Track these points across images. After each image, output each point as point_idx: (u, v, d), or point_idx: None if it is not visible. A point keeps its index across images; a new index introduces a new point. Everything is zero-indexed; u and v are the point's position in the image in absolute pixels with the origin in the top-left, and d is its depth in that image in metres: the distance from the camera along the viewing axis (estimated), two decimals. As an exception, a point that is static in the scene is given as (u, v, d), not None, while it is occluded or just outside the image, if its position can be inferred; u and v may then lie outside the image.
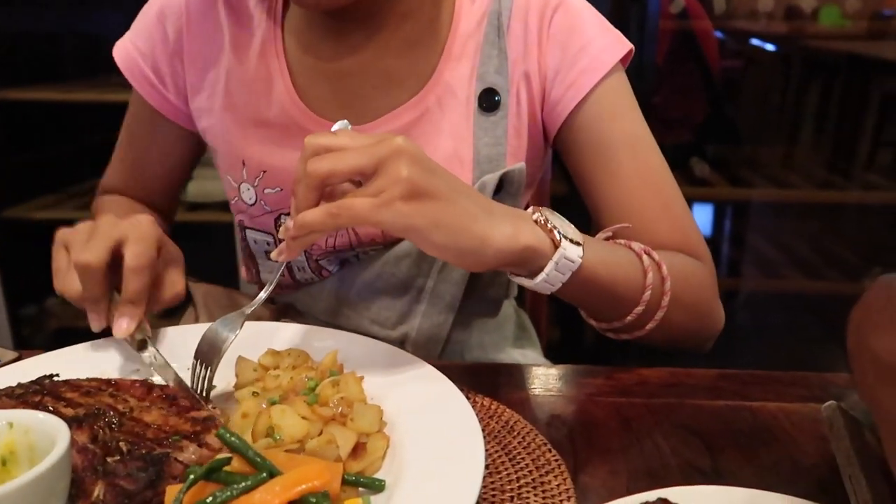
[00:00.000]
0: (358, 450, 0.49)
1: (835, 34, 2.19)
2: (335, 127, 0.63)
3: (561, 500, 0.48)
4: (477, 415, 0.52)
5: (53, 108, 2.04)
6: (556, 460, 0.52)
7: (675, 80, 2.06)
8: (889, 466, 0.38)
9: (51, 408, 0.49)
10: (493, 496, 0.49)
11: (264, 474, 0.43)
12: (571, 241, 0.57)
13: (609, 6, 1.67)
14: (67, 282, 0.60)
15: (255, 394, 0.55)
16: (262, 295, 0.61)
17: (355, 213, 0.51)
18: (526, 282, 0.59)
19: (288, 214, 0.73)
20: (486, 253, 0.54)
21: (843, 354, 0.42)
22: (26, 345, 2.06)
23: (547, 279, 0.57)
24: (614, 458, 0.55)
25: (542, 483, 0.50)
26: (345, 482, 0.46)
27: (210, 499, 0.41)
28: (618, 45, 0.74)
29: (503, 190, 0.72)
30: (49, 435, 0.42)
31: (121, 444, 0.46)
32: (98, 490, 0.44)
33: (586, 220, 0.72)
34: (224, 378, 0.59)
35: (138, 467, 0.44)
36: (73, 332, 0.63)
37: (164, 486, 0.44)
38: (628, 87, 0.74)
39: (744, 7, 2.21)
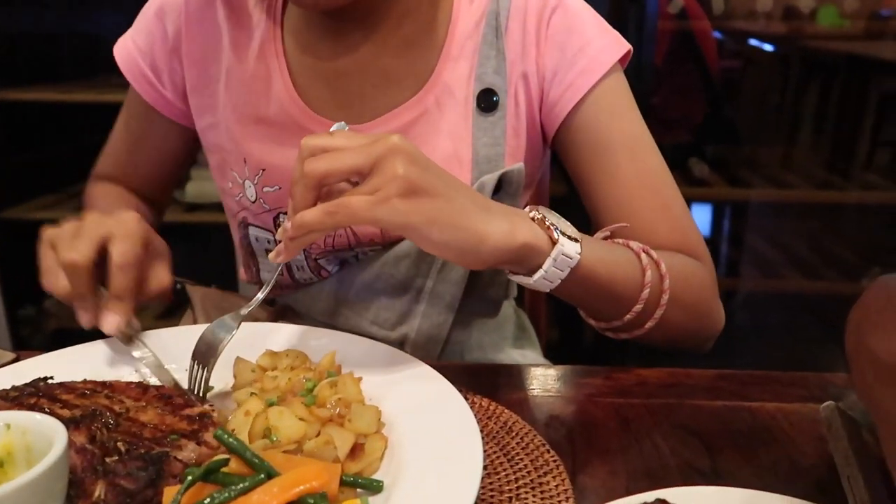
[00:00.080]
0: (356, 451, 0.49)
1: (833, 34, 2.20)
2: (333, 128, 0.63)
3: (559, 501, 0.48)
4: (475, 415, 0.52)
5: (53, 108, 2.04)
6: (555, 461, 0.52)
7: (674, 80, 2.06)
8: (887, 467, 0.38)
9: (47, 409, 0.49)
10: (492, 497, 0.49)
11: (262, 475, 0.43)
12: (569, 237, 0.57)
13: (607, 6, 1.67)
14: (55, 280, 0.61)
15: (253, 395, 0.55)
16: (260, 295, 0.61)
17: (352, 211, 0.51)
18: (524, 280, 0.59)
19: (286, 213, 0.73)
20: (484, 250, 0.54)
21: (841, 354, 0.42)
22: (25, 345, 2.06)
23: (545, 276, 0.57)
24: (613, 458, 0.55)
25: (541, 484, 0.50)
26: (343, 483, 0.46)
27: (208, 500, 0.41)
28: (616, 45, 0.74)
29: (502, 190, 0.72)
30: (46, 436, 0.42)
31: (119, 444, 0.46)
32: (99, 490, 0.44)
33: (585, 221, 0.72)
34: (223, 379, 0.59)
35: (138, 466, 0.44)
36: (71, 332, 0.64)
37: (164, 486, 0.44)
38: (627, 88, 0.74)
39: (742, 7, 2.21)
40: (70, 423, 0.46)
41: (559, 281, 0.58)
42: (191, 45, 0.78)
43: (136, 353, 0.62)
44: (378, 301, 0.77)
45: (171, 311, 2.14)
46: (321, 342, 0.65)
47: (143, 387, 0.54)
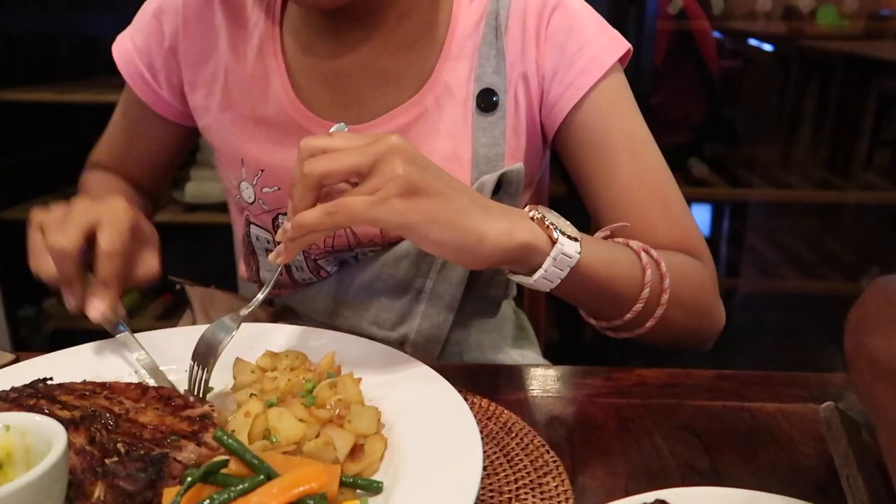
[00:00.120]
0: (356, 451, 0.49)
1: (832, 34, 2.20)
2: (332, 129, 0.63)
3: (559, 502, 0.48)
4: (475, 416, 0.52)
5: (51, 109, 2.04)
6: (555, 461, 0.52)
7: (674, 80, 2.06)
8: (886, 467, 0.38)
9: (46, 410, 0.49)
10: (491, 497, 0.49)
11: (262, 476, 0.43)
12: (569, 237, 0.57)
13: (607, 6, 1.67)
14: (42, 263, 0.61)
15: (252, 396, 0.55)
16: (260, 296, 0.61)
17: (352, 211, 0.51)
18: (524, 280, 0.59)
19: (285, 214, 0.73)
20: (483, 249, 0.54)
21: (840, 355, 0.42)
22: (24, 346, 2.06)
23: (545, 276, 0.57)
24: (613, 459, 0.55)
25: (541, 484, 0.50)
26: (342, 484, 0.46)
27: (207, 501, 0.41)
28: (616, 45, 0.74)
29: (502, 190, 0.72)
30: (45, 437, 0.42)
31: (118, 445, 0.46)
32: (98, 491, 0.44)
33: (585, 221, 0.72)
34: (222, 380, 0.59)
35: (138, 468, 0.44)
36: (70, 333, 0.64)
37: (164, 487, 0.44)
38: (627, 87, 0.74)
39: (742, 7, 2.21)
40: (69, 425, 0.46)
41: (559, 280, 0.58)
42: (188, 45, 0.78)
43: (132, 355, 0.62)
44: (378, 301, 0.77)
45: (170, 311, 2.14)
46: (321, 343, 0.65)
47: (142, 388, 0.54)
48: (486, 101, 0.73)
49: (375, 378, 0.58)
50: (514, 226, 0.56)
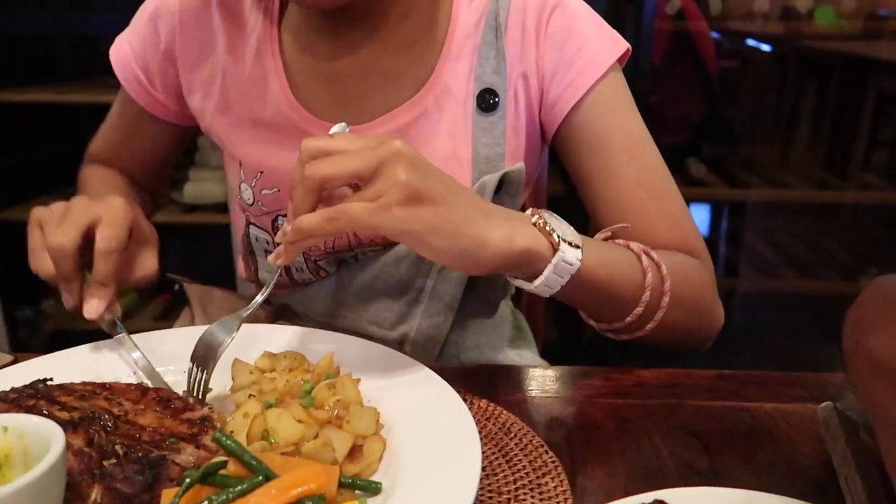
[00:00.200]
0: (354, 452, 0.49)
1: (830, 34, 2.20)
2: (333, 129, 0.63)
3: (558, 502, 0.48)
4: (473, 416, 0.52)
5: (50, 109, 2.03)
6: (553, 462, 0.52)
7: (672, 80, 2.06)
8: (885, 467, 0.38)
9: (45, 411, 0.48)
10: (490, 498, 0.49)
11: (260, 477, 0.43)
12: (570, 243, 0.57)
13: (605, 6, 1.67)
14: (41, 261, 0.61)
15: (251, 396, 0.55)
16: (259, 298, 0.61)
17: (353, 217, 0.51)
18: (525, 285, 0.59)
19: (285, 216, 0.73)
20: (484, 255, 0.54)
21: (839, 354, 0.42)
22: (23, 347, 2.05)
23: (545, 282, 0.57)
24: (612, 459, 0.55)
25: (540, 485, 0.50)
26: (341, 485, 0.46)
27: (206, 502, 0.41)
28: (615, 45, 0.74)
29: (502, 190, 0.72)
30: (44, 439, 0.42)
31: (117, 447, 0.46)
32: (94, 493, 0.43)
33: (584, 221, 0.72)
34: (220, 381, 0.59)
35: (135, 470, 0.44)
36: (69, 334, 0.64)
37: (161, 489, 0.44)
38: (626, 87, 0.74)
39: (740, 7, 2.21)
40: (68, 426, 0.46)
41: (559, 287, 0.58)
42: (185, 47, 0.78)
43: (129, 356, 0.62)
44: (377, 301, 0.77)
45: (168, 311, 2.14)
46: (319, 344, 0.64)
47: (142, 389, 0.54)
48: (486, 101, 0.73)
49: (374, 379, 0.58)
50: (516, 232, 0.55)
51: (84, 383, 0.55)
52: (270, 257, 0.57)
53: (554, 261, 0.56)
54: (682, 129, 2.16)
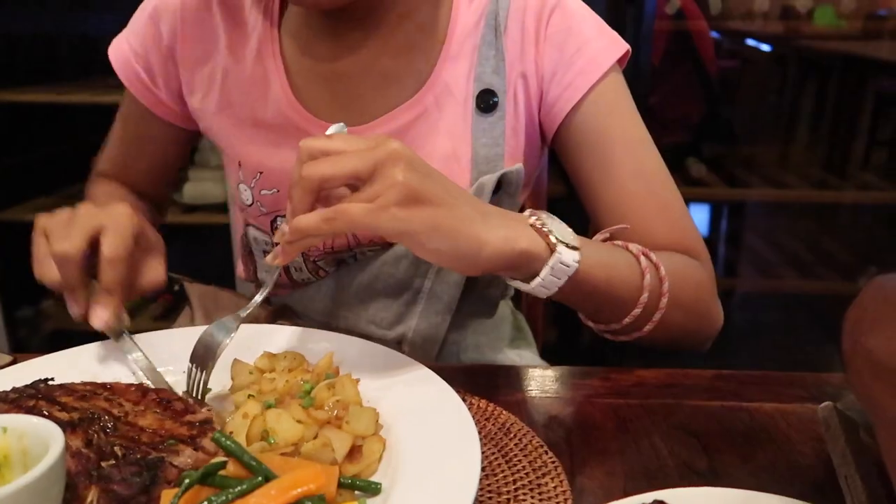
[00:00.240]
0: (354, 453, 0.49)
1: (830, 34, 2.20)
2: (331, 130, 0.63)
3: (558, 503, 0.48)
4: (473, 417, 0.52)
5: (49, 109, 2.03)
6: (553, 462, 0.52)
7: (672, 80, 2.07)
8: (884, 466, 0.38)
9: (45, 412, 0.48)
10: (490, 498, 0.49)
11: (260, 478, 0.43)
12: (568, 245, 0.57)
13: (605, 7, 1.67)
14: (46, 269, 0.61)
15: (250, 397, 0.55)
16: (258, 298, 0.61)
17: (351, 218, 0.51)
18: (522, 286, 0.58)
19: (283, 217, 0.73)
20: (482, 257, 0.54)
21: (839, 354, 0.42)
22: (22, 347, 2.06)
23: (543, 283, 0.57)
24: (611, 459, 0.55)
25: (539, 485, 0.50)
26: (341, 485, 0.46)
27: (206, 503, 0.41)
28: (614, 45, 0.74)
29: (501, 191, 0.72)
30: (43, 439, 0.42)
31: (115, 448, 0.46)
32: (91, 495, 0.43)
33: (584, 222, 0.72)
34: (220, 381, 0.59)
35: (133, 472, 0.44)
36: (69, 334, 0.64)
37: (159, 491, 0.44)
38: (626, 88, 0.74)
39: (739, 7, 2.21)
40: (67, 427, 0.46)
41: (557, 288, 0.58)
42: (186, 47, 0.78)
43: (129, 356, 0.62)
44: (376, 301, 0.77)
45: (169, 312, 2.14)
46: (319, 344, 0.64)
47: (142, 390, 0.54)
48: (486, 101, 0.73)
49: (374, 379, 0.58)
50: (514, 233, 0.55)
51: (85, 383, 0.54)
52: (269, 257, 0.57)
53: (551, 262, 0.56)
54: (681, 130, 2.16)
